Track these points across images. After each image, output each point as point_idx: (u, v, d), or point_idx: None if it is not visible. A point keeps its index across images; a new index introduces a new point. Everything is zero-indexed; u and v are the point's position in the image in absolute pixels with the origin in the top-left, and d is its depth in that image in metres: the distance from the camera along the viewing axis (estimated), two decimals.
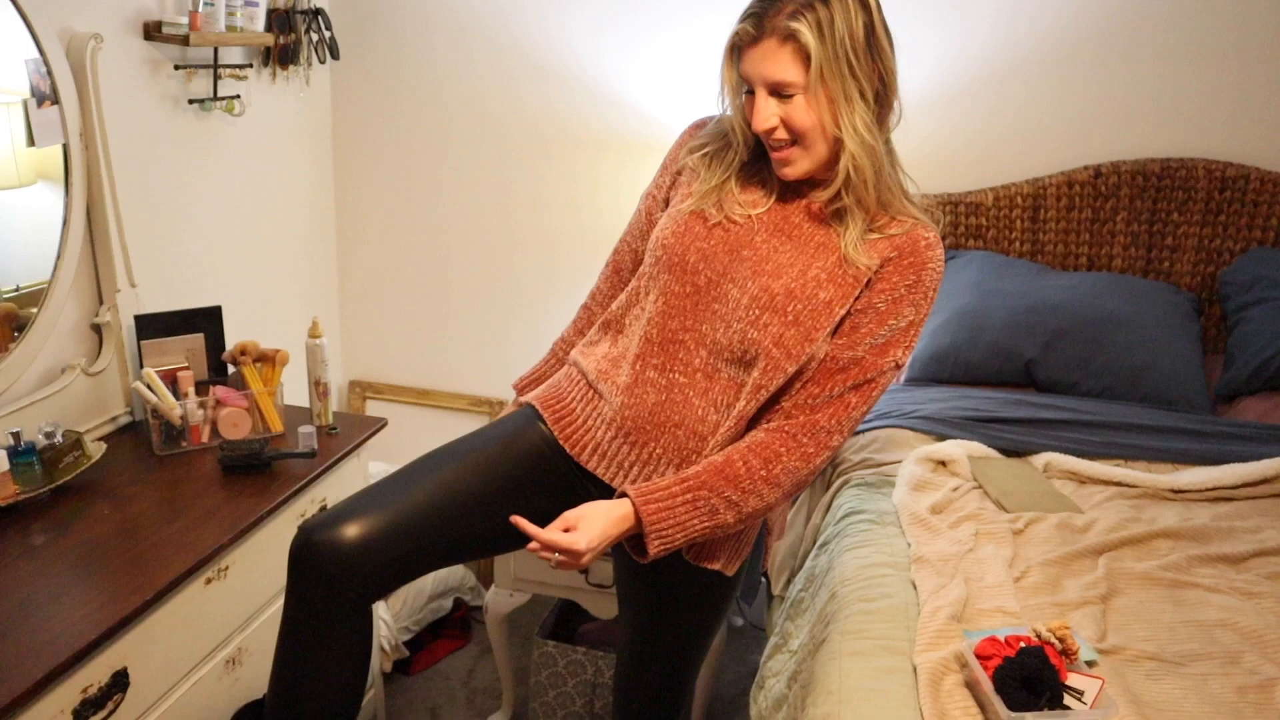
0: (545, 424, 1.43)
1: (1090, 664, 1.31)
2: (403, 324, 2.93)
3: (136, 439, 1.91)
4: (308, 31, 2.43)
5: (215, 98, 2.18)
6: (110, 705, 1.39)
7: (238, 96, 2.25)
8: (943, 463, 1.86)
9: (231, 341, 2.03)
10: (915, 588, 1.50)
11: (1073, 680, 1.24)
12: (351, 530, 1.27)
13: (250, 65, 2.32)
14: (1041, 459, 1.91)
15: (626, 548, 1.33)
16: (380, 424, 2.09)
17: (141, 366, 1.92)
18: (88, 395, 1.87)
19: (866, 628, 1.41)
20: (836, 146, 1.25)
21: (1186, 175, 2.36)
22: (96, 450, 1.73)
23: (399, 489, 1.34)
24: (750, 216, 1.32)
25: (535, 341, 1.65)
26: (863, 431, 2.05)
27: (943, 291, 2.29)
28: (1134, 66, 2.36)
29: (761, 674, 1.70)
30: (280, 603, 1.33)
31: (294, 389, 2.09)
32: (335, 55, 2.50)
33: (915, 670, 1.30)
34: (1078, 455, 1.91)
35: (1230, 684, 1.29)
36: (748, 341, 1.28)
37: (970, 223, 2.50)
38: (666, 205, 1.44)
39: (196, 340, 2.01)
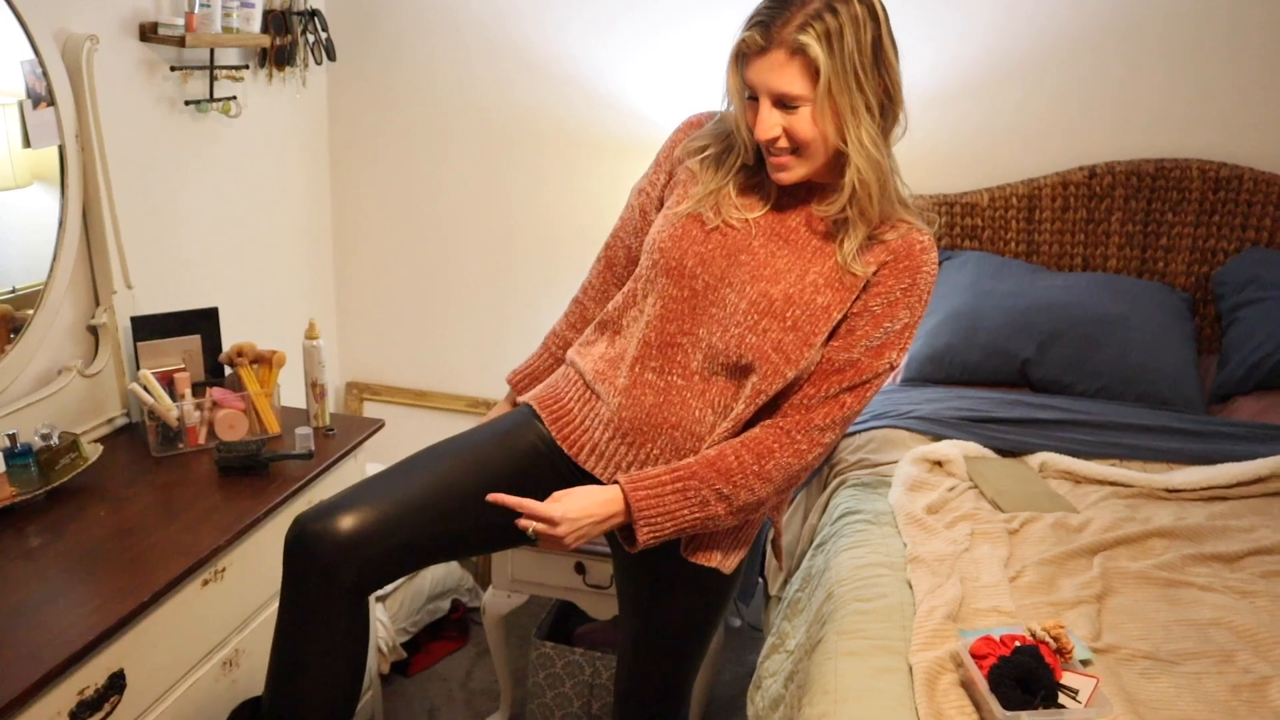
0: (543, 423, 1.43)
1: (1085, 663, 1.32)
2: (400, 325, 2.93)
3: (133, 441, 1.91)
4: (304, 33, 2.42)
5: (211, 99, 2.18)
6: (107, 707, 1.39)
7: (234, 98, 2.25)
8: (939, 463, 1.86)
9: (228, 343, 2.03)
10: (911, 587, 1.50)
11: (1067, 679, 1.24)
12: (347, 520, 1.27)
13: (246, 66, 2.32)
14: (1037, 459, 1.92)
15: (619, 538, 1.34)
16: (377, 425, 2.09)
17: (138, 368, 1.92)
18: (84, 397, 1.87)
19: (862, 627, 1.42)
20: (835, 155, 1.25)
21: (1181, 176, 2.37)
22: (93, 452, 1.73)
23: (395, 481, 1.34)
24: (748, 221, 1.32)
25: (533, 343, 1.65)
26: (859, 432, 2.05)
27: (938, 292, 2.30)
28: (1129, 68, 2.37)
29: (758, 674, 1.70)
30: (277, 604, 1.33)
31: (291, 390, 2.08)
32: (332, 57, 2.50)
33: (911, 670, 1.30)
34: (1073, 455, 1.92)
35: (1224, 682, 1.30)
36: (745, 346, 1.28)
37: (966, 223, 2.51)
38: (660, 204, 1.43)
39: (193, 342, 2.01)
